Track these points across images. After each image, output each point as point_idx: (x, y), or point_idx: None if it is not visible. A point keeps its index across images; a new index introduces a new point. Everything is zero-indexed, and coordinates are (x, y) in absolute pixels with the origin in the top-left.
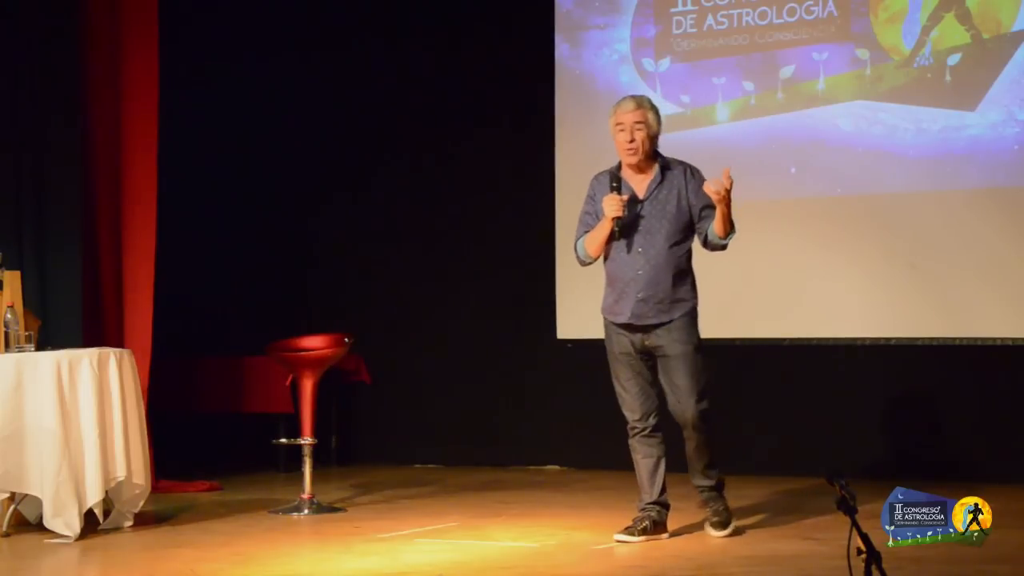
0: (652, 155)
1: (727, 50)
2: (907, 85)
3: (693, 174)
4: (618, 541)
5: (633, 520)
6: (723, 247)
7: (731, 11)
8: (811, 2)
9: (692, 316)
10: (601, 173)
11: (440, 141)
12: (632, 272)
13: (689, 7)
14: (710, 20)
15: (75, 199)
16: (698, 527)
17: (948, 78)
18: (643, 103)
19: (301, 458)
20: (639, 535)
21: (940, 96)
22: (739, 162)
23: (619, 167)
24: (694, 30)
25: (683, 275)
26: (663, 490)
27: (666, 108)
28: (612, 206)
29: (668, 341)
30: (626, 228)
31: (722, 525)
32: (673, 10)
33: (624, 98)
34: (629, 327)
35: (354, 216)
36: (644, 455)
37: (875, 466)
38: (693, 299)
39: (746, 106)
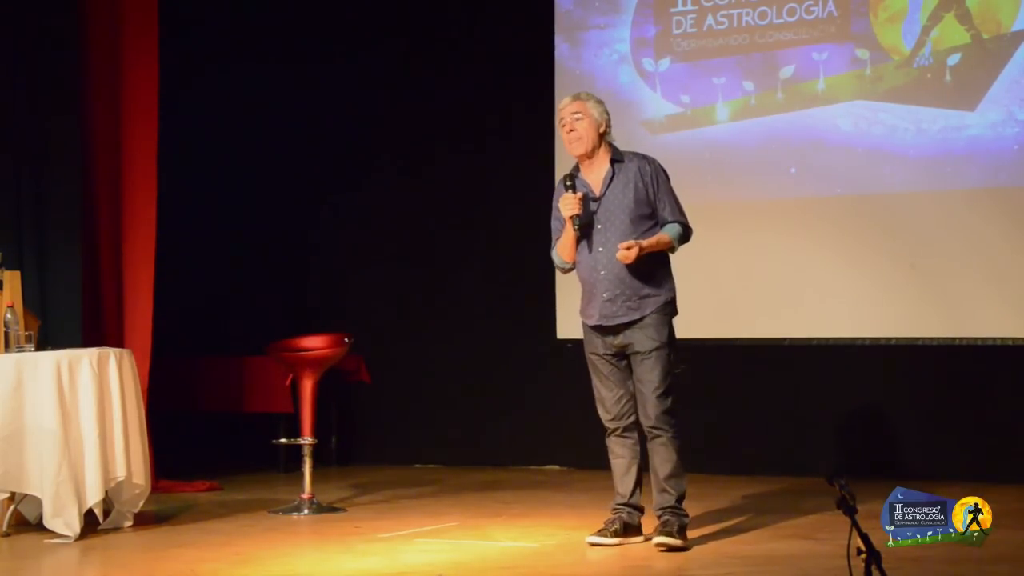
0: (603, 149)
1: (727, 50)
2: (907, 85)
3: (649, 163)
4: (591, 544)
5: (605, 522)
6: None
7: (731, 11)
8: (811, 2)
9: (664, 311)
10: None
11: (440, 141)
12: (596, 273)
13: (689, 7)
14: (710, 20)
15: (75, 199)
16: (697, 529)
17: (948, 78)
18: (580, 96)
19: (301, 458)
20: (611, 536)
21: (940, 96)
22: (739, 162)
23: (576, 169)
24: (694, 30)
25: (651, 269)
26: (634, 492)
27: (666, 108)
28: (566, 205)
29: (638, 339)
30: (586, 227)
31: (668, 535)
32: (673, 10)
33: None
34: (600, 328)
35: (354, 216)
36: (617, 455)
37: (875, 466)
38: (666, 292)
39: (746, 106)
